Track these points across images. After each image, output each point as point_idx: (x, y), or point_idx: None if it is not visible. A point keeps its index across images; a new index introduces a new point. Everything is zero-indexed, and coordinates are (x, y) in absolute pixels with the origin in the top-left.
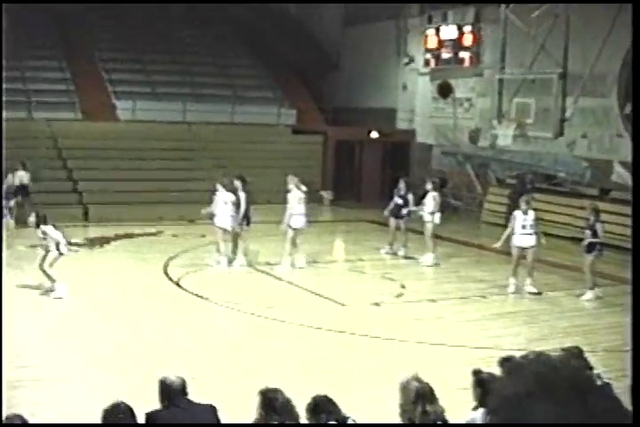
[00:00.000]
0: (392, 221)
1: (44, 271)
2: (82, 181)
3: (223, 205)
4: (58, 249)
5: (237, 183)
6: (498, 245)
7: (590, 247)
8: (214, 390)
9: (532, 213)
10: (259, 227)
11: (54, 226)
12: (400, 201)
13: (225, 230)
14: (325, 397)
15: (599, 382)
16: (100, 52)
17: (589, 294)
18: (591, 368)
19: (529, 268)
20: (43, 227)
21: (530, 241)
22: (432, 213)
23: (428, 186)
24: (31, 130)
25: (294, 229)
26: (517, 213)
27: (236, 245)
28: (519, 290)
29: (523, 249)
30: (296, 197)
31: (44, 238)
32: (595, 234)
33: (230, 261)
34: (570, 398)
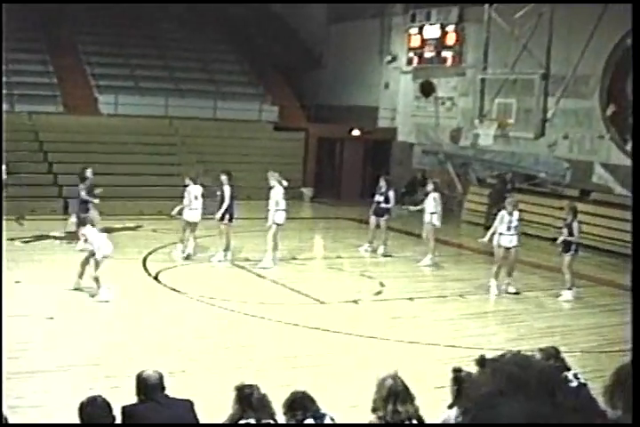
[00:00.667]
0: (372, 219)
1: (94, 278)
2: (62, 174)
3: (194, 199)
4: (94, 254)
5: (223, 178)
6: (485, 239)
7: (567, 246)
8: (192, 386)
9: (516, 214)
10: (239, 222)
11: (93, 226)
12: (381, 199)
13: (192, 224)
14: (304, 393)
15: (575, 383)
16: (84, 46)
17: (568, 295)
18: (568, 369)
19: (509, 267)
20: (83, 230)
21: (513, 241)
22: (432, 214)
23: (429, 187)
24: (13, 123)
25: (278, 225)
26: (503, 214)
27: (228, 242)
28: (500, 291)
29: (506, 249)
30: (280, 193)
31: (86, 241)
32: (571, 233)
33: (187, 255)
34: (539, 397)
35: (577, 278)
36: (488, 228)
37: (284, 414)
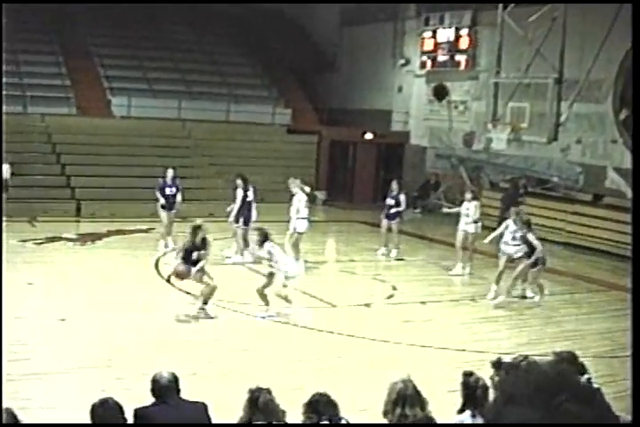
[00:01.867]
0: (384, 222)
1: (261, 294)
2: (75, 176)
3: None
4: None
5: (238, 182)
6: (486, 241)
7: (533, 262)
8: (204, 389)
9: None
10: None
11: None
12: (392, 202)
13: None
14: (322, 395)
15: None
16: (97, 48)
17: (499, 298)
18: (582, 373)
19: (522, 275)
20: (267, 245)
21: (519, 252)
22: (475, 223)
23: (469, 195)
24: (26, 124)
25: (299, 234)
26: (509, 222)
27: (241, 244)
28: (497, 296)
29: (512, 259)
30: (302, 201)
31: (269, 259)
32: (531, 248)
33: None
34: (548, 403)
35: (589, 283)
36: None
37: (303, 413)
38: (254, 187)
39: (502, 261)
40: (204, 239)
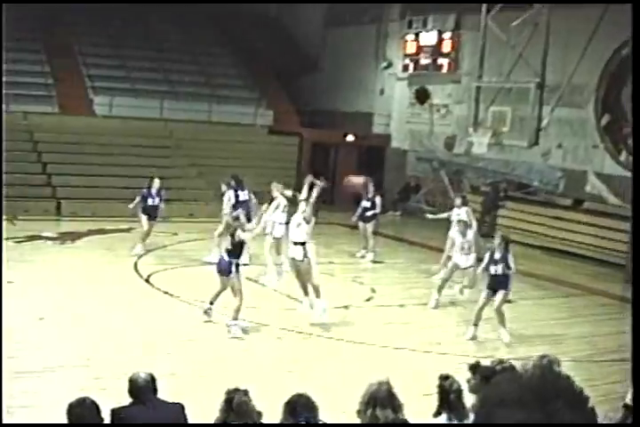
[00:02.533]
0: (360, 225)
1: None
2: (56, 175)
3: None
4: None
5: (231, 183)
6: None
7: (504, 283)
8: (182, 389)
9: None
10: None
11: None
12: (367, 204)
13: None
14: (301, 397)
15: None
16: (80, 47)
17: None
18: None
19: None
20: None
21: (469, 260)
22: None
23: (458, 201)
24: (7, 122)
25: (276, 239)
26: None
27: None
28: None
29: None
30: (282, 205)
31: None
32: (508, 267)
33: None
34: (533, 407)
35: (568, 287)
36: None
37: (282, 412)
38: (248, 187)
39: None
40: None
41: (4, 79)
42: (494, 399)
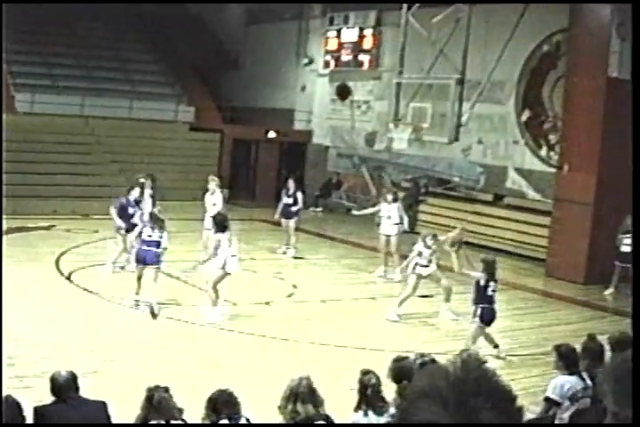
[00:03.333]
0: (283, 222)
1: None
2: None
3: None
4: (223, 267)
5: (147, 182)
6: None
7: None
8: (105, 387)
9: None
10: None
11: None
12: (290, 201)
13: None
14: (223, 393)
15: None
16: (1, 43)
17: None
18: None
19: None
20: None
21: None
22: (398, 225)
23: (390, 196)
24: None
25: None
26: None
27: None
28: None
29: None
30: (220, 200)
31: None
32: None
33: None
34: (470, 404)
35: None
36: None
37: (205, 409)
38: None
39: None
40: None
41: (3, 79)
42: (417, 392)
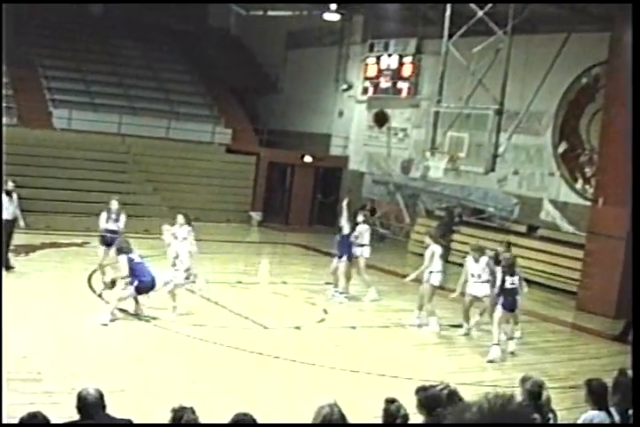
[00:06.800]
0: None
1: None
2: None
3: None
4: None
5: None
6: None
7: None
8: (130, 405)
9: (483, 261)
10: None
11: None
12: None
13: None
14: (246, 416)
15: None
16: (41, 59)
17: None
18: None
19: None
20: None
21: (484, 290)
22: (364, 246)
23: (360, 217)
24: None
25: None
26: (469, 260)
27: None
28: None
29: (476, 298)
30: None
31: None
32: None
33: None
34: None
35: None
36: None
37: None
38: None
39: (468, 300)
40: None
41: (4, 81)
42: (454, 424)
